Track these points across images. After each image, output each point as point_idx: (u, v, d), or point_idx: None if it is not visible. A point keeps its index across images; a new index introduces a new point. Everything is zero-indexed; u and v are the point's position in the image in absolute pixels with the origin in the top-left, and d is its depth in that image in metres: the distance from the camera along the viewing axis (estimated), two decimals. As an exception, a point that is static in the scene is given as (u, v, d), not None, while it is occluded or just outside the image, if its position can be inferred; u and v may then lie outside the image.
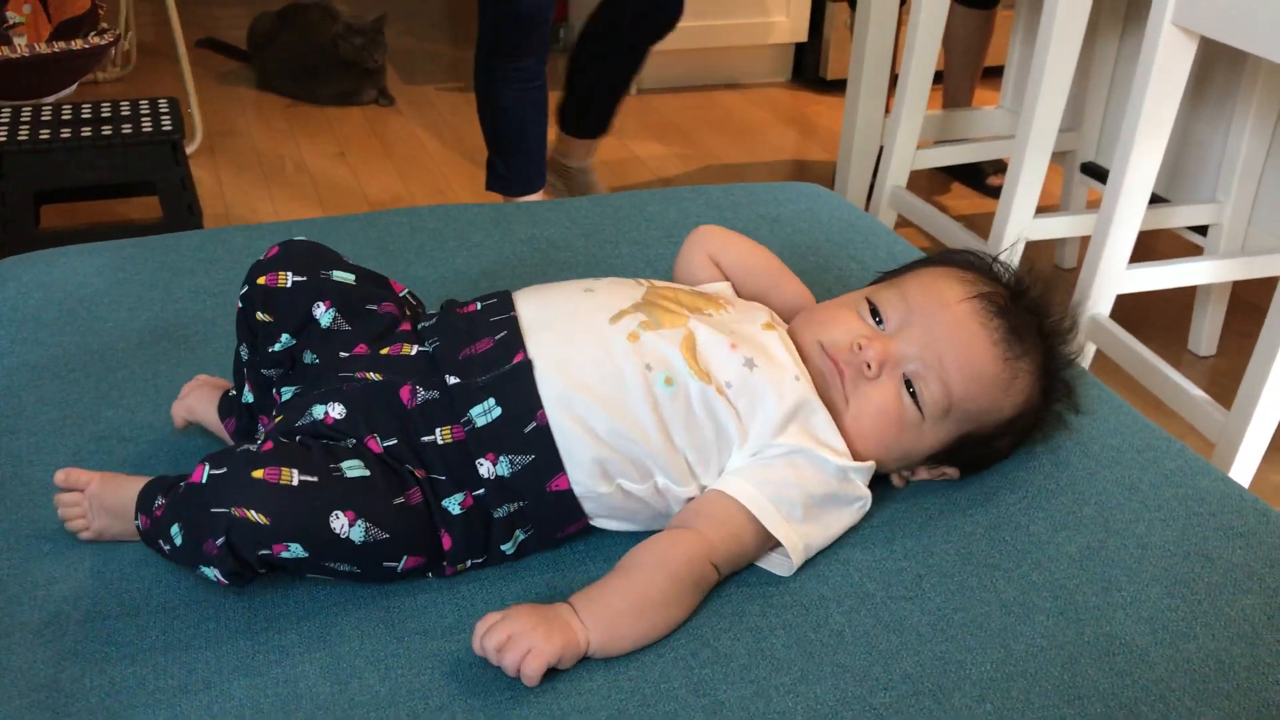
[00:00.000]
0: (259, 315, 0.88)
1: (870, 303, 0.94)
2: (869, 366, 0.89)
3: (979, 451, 0.95)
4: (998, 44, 2.78)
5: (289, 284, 0.88)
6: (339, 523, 0.76)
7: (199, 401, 0.99)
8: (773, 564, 0.85)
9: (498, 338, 0.87)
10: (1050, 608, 0.82)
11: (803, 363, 0.90)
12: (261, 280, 0.88)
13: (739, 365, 0.87)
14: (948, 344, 0.90)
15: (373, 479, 0.79)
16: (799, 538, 0.84)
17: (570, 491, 0.83)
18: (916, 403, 0.89)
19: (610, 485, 0.84)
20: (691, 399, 0.85)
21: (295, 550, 0.75)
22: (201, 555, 0.76)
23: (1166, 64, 1.59)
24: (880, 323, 0.92)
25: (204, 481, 0.76)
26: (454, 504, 0.82)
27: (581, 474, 0.83)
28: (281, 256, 0.89)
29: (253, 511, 0.74)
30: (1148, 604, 0.83)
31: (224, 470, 0.76)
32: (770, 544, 0.85)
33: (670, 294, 0.93)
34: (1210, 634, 0.81)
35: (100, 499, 0.86)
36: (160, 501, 0.80)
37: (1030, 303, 0.95)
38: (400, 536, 0.79)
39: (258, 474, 0.75)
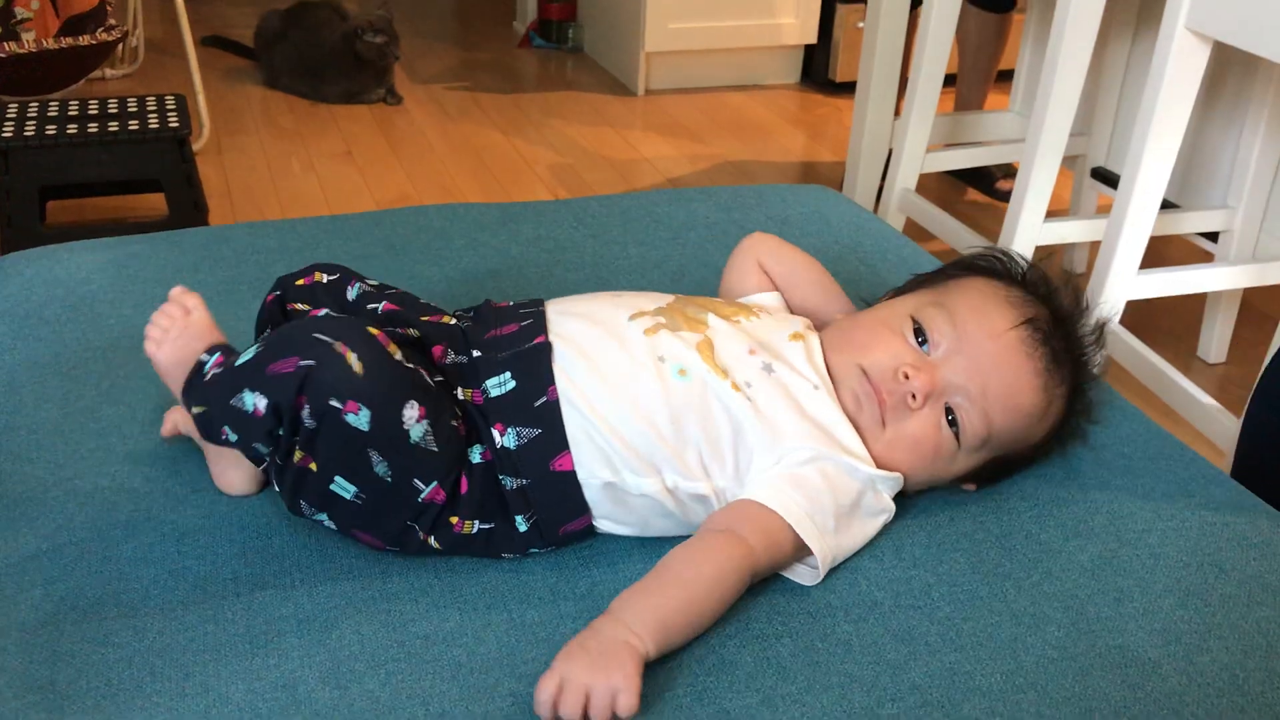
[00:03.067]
0: (293, 305, 0.92)
1: (915, 321, 0.91)
2: (914, 398, 0.87)
3: (1001, 469, 0.94)
4: (1009, 47, 2.77)
5: (324, 280, 0.92)
6: (411, 412, 0.78)
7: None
8: (797, 574, 0.84)
9: (523, 324, 0.90)
10: (1061, 618, 0.81)
11: (829, 378, 0.89)
12: (299, 281, 0.92)
13: (757, 368, 0.86)
14: (994, 376, 0.88)
15: (438, 393, 0.82)
16: (830, 550, 0.83)
17: (573, 474, 0.83)
18: (955, 433, 0.88)
19: (614, 474, 0.83)
20: (707, 391, 0.84)
21: (362, 418, 0.75)
22: (263, 376, 0.75)
23: (1179, 68, 1.57)
24: (924, 343, 0.90)
25: (320, 315, 0.78)
26: (476, 453, 0.83)
27: (585, 456, 0.83)
28: (312, 268, 0.94)
29: (354, 356, 0.76)
30: (1160, 615, 0.82)
31: (342, 315, 0.79)
32: (799, 555, 0.83)
33: (699, 302, 0.93)
34: (1224, 646, 0.79)
35: (188, 329, 0.87)
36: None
37: (1068, 330, 0.93)
38: (443, 456, 0.80)
39: (374, 331, 0.79)
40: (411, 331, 0.88)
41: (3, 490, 0.90)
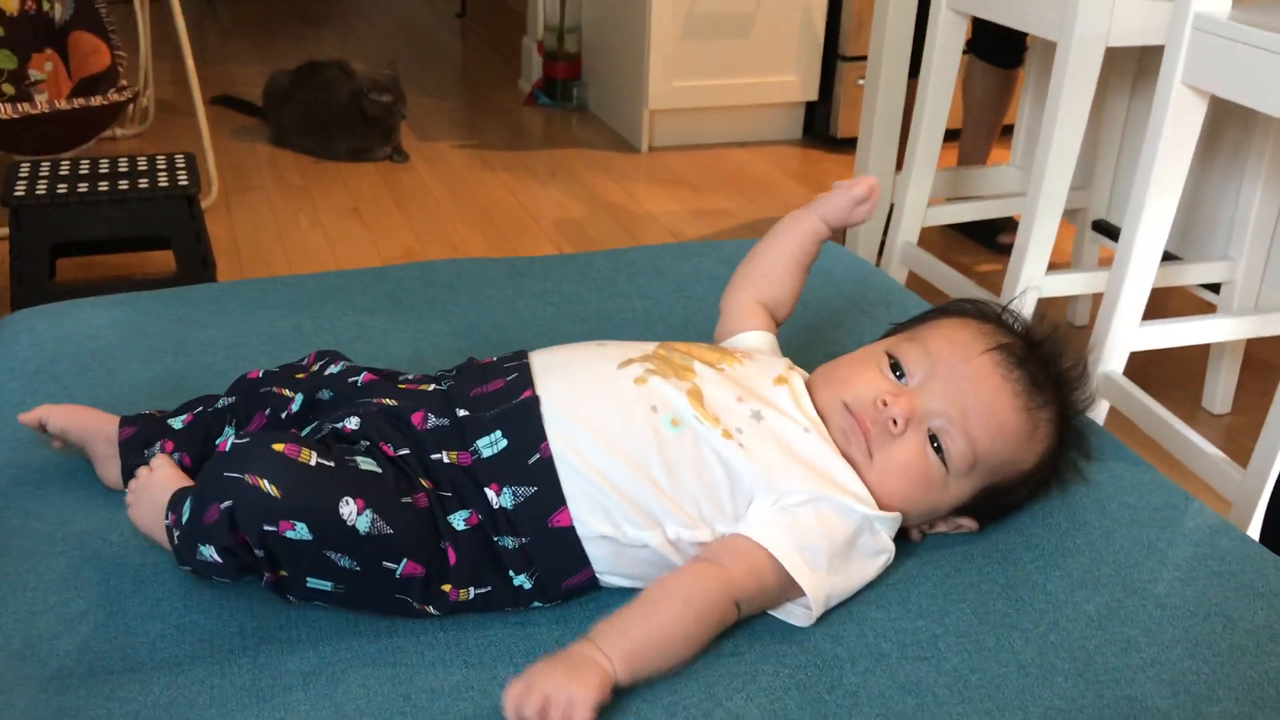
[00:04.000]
0: (279, 390, 0.94)
1: (891, 356, 0.93)
2: (895, 423, 0.88)
3: (998, 503, 0.94)
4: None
5: (305, 364, 0.98)
6: (348, 509, 0.77)
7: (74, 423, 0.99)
8: (791, 615, 0.84)
9: (509, 379, 0.90)
10: (1069, 669, 0.81)
11: (819, 418, 0.90)
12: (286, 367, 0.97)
13: (746, 416, 0.87)
14: (972, 397, 0.89)
15: (384, 475, 0.81)
16: (821, 588, 0.83)
17: (572, 530, 0.83)
18: (942, 458, 0.89)
19: (613, 528, 0.83)
20: (700, 442, 0.85)
21: (300, 531, 0.76)
22: (202, 528, 0.77)
23: (1177, 123, 1.59)
24: (901, 376, 0.92)
25: (227, 450, 0.78)
26: (459, 520, 0.83)
27: (583, 511, 0.83)
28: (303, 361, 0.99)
29: (266, 481, 0.76)
30: (1168, 666, 0.81)
31: (246, 440, 0.79)
32: (791, 594, 0.83)
33: (683, 349, 0.93)
34: (1233, 697, 0.79)
35: (148, 490, 0.87)
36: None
37: (1045, 352, 0.95)
38: (403, 536, 0.79)
39: (278, 447, 0.78)
40: (388, 401, 0.88)
41: (11, 545, 0.90)
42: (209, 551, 0.79)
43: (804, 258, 1.08)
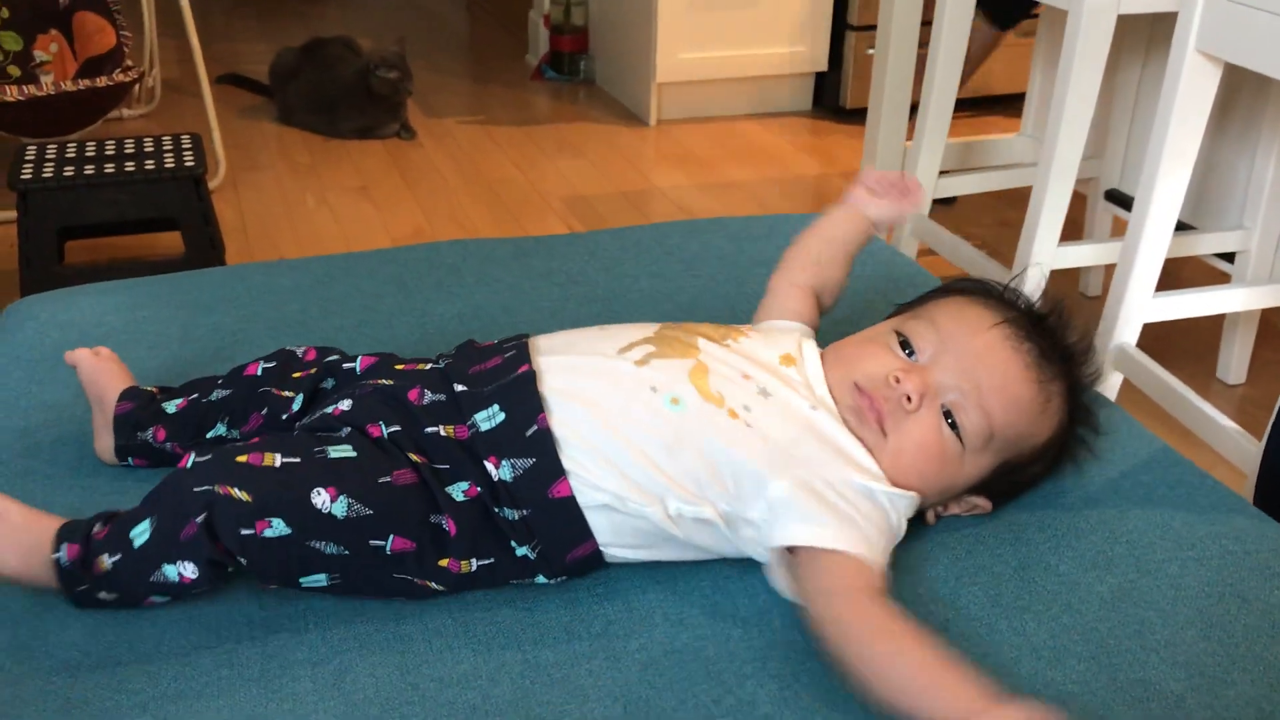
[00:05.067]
0: (279, 391, 0.94)
1: (899, 334, 0.92)
2: (909, 399, 0.87)
3: (1012, 480, 0.93)
4: (1019, 71, 2.77)
5: (300, 355, 0.98)
6: (320, 498, 0.77)
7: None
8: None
9: (507, 356, 0.90)
10: (1082, 652, 0.80)
11: (830, 396, 0.89)
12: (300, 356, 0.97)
13: (754, 393, 0.86)
14: (984, 371, 0.88)
15: (358, 459, 0.81)
16: (881, 563, 0.82)
17: (572, 499, 0.82)
18: (957, 433, 0.88)
19: (614, 499, 0.82)
20: (701, 420, 0.84)
21: (278, 527, 0.76)
22: (176, 545, 0.76)
23: (1190, 90, 1.57)
24: (911, 354, 0.91)
25: (188, 467, 0.78)
26: (458, 491, 0.83)
27: (582, 482, 0.82)
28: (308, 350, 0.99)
29: (235, 489, 0.76)
30: (1183, 648, 0.81)
31: (208, 457, 0.78)
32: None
33: (685, 328, 0.93)
34: (1249, 679, 0.78)
35: (16, 529, 0.80)
36: (99, 528, 0.80)
37: (1050, 325, 0.94)
38: (385, 514, 0.79)
39: (241, 459, 0.78)
40: (384, 381, 0.89)
41: (18, 535, 0.90)
42: (175, 570, 0.77)
43: (853, 248, 1.09)
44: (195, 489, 0.76)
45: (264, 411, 0.94)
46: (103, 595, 0.81)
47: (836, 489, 0.83)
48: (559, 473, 0.83)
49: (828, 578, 0.80)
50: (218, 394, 0.96)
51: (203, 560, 0.77)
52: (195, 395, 0.97)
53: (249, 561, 0.78)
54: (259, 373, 0.96)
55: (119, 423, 0.96)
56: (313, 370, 0.95)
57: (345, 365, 0.94)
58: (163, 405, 0.97)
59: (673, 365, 0.87)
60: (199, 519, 0.76)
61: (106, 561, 0.79)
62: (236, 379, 0.97)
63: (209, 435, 0.95)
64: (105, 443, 0.97)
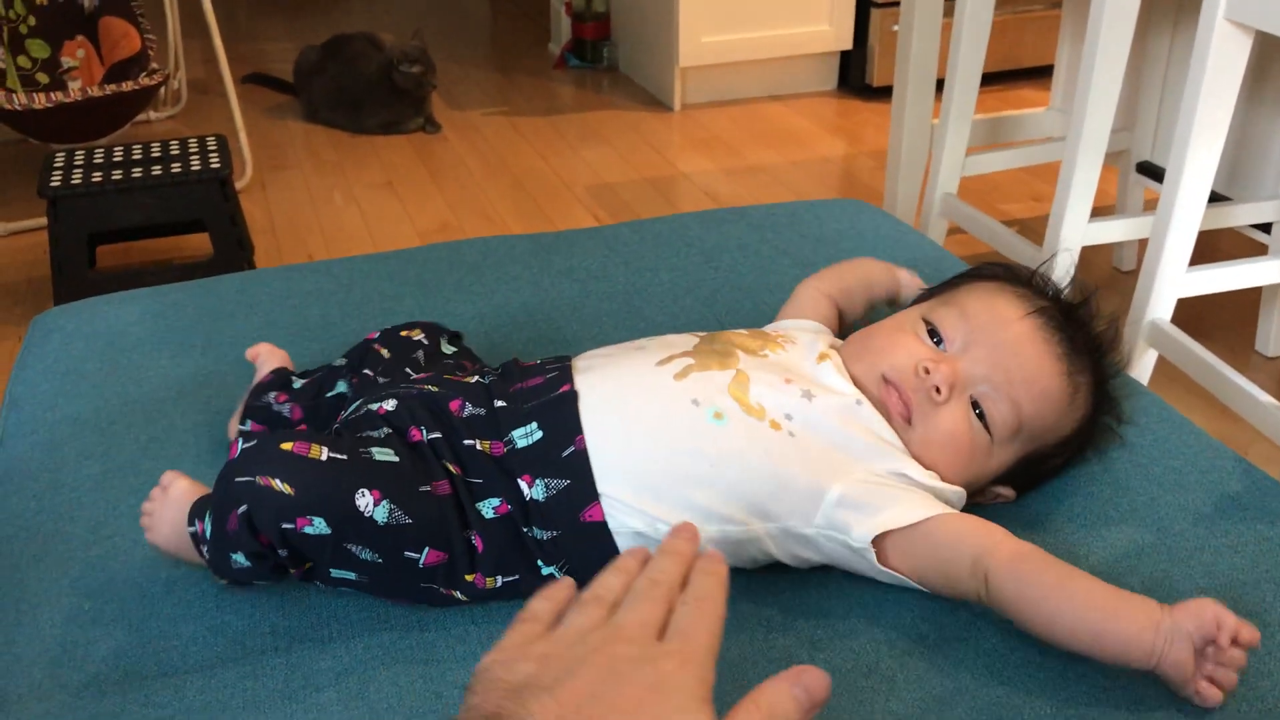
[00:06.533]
0: (379, 348, 0.98)
1: (928, 323, 0.91)
2: (938, 391, 0.86)
3: (1035, 470, 0.92)
4: (1048, 43, 2.72)
5: (405, 335, 1.01)
6: (364, 500, 0.77)
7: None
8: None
9: (549, 376, 0.89)
10: (1112, 645, 0.79)
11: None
12: (402, 333, 1.00)
13: (796, 398, 0.85)
14: (1015, 363, 0.87)
15: (401, 464, 0.80)
16: None
17: (604, 525, 0.82)
18: (985, 425, 0.87)
19: (647, 525, 0.81)
20: (745, 434, 0.83)
21: (319, 525, 0.76)
22: (227, 537, 0.78)
23: (1220, 59, 1.54)
24: (939, 343, 0.90)
25: (236, 456, 0.78)
26: (488, 508, 0.83)
27: (615, 508, 0.81)
28: (412, 325, 1.03)
29: (278, 481, 0.76)
30: (1216, 638, 0.79)
31: (254, 443, 0.79)
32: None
33: (725, 338, 0.92)
34: (1285, 670, 0.76)
35: (163, 510, 0.87)
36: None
37: (1080, 315, 0.93)
38: (423, 524, 0.79)
39: (286, 446, 0.78)
40: (430, 387, 0.89)
41: (45, 550, 0.91)
42: (237, 558, 0.79)
43: (879, 292, 1.09)
44: (238, 479, 0.77)
45: (365, 370, 0.97)
46: (222, 579, 0.85)
47: (890, 479, 0.83)
48: (593, 496, 0.82)
49: (947, 545, 0.80)
50: (339, 361, 1.00)
51: (249, 552, 0.78)
52: (320, 373, 1.01)
53: (289, 552, 0.78)
54: (377, 335, 1.00)
55: (254, 390, 1.00)
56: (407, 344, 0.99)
57: (403, 366, 0.96)
58: (291, 377, 1.01)
59: (713, 377, 0.86)
60: (239, 511, 0.76)
61: (204, 550, 0.82)
62: (357, 346, 1.00)
63: (328, 395, 0.98)
64: (232, 421, 1.02)
